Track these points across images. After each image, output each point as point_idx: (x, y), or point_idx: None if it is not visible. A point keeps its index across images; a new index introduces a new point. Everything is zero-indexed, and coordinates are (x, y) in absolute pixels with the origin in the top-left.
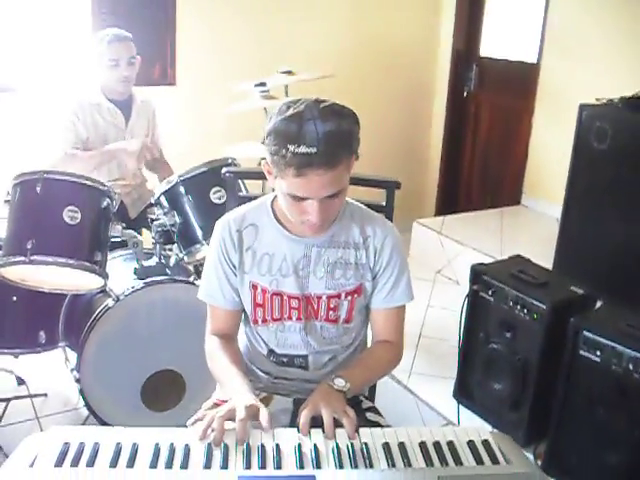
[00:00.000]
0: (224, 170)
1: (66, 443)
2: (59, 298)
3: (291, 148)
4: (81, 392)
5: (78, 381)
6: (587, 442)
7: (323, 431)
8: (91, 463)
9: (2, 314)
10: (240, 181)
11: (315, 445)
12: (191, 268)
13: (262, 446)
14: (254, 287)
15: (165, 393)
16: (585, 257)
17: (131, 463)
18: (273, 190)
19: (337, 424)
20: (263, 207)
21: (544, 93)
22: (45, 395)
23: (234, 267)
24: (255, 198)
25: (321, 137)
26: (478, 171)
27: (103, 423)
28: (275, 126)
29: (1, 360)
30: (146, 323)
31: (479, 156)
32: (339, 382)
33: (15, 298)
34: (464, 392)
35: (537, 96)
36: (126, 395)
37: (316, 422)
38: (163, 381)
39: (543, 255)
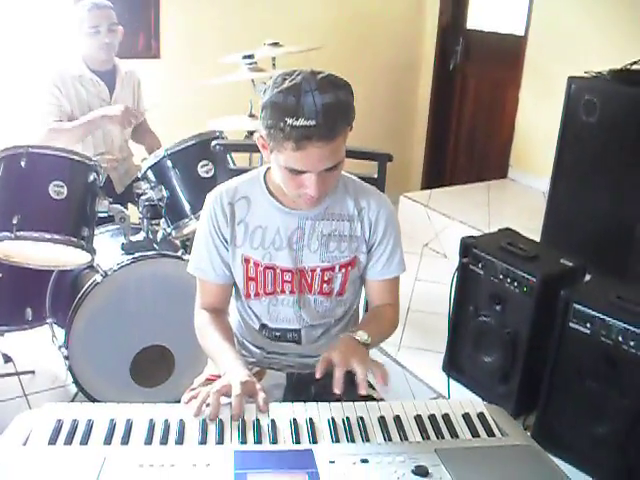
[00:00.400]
0: (214, 143)
1: (59, 420)
2: (45, 274)
3: (289, 121)
4: (70, 369)
5: (67, 358)
6: (576, 413)
7: (315, 401)
8: (85, 441)
9: None
10: (228, 154)
11: (310, 419)
12: (178, 243)
13: (257, 421)
14: (246, 261)
15: (154, 369)
16: (573, 230)
17: (125, 440)
18: (262, 164)
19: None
20: (255, 180)
21: (531, 66)
22: (32, 372)
23: (225, 241)
24: (246, 171)
25: (320, 109)
26: (464, 144)
27: (92, 400)
28: (272, 99)
29: None
30: (134, 299)
31: (465, 129)
32: (362, 335)
33: (0, 275)
34: (454, 365)
35: (524, 69)
36: (115, 371)
37: (307, 396)
38: (152, 357)
39: (530, 228)
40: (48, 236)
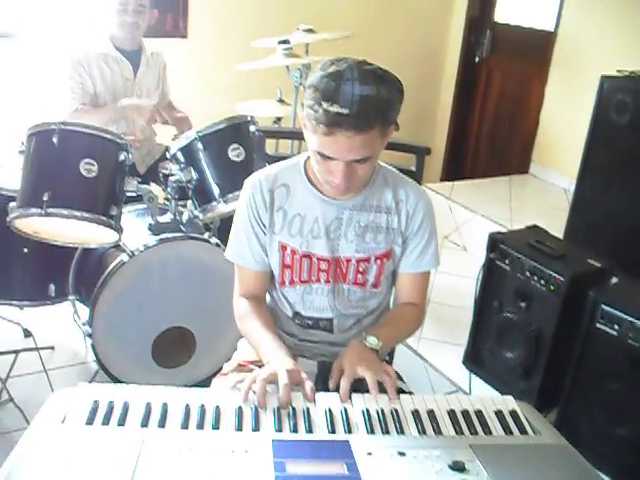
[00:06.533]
0: (253, 129)
1: (95, 401)
2: (70, 251)
3: (324, 105)
4: (93, 347)
5: (90, 336)
6: (598, 414)
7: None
8: (122, 422)
9: (12, 266)
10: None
11: (345, 409)
12: (201, 224)
13: (293, 410)
14: (283, 248)
15: (176, 350)
16: (597, 231)
17: (162, 423)
18: (292, 151)
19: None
20: (296, 167)
21: (560, 62)
22: (52, 348)
23: (264, 226)
24: (284, 158)
25: (356, 99)
26: (486, 138)
27: (113, 378)
28: (315, 81)
29: (7, 311)
30: (159, 280)
31: (488, 123)
32: (372, 340)
33: (26, 250)
34: (475, 359)
35: (552, 65)
36: (137, 351)
37: (338, 385)
38: (174, 338)
39: (552, 226)
40: (78, 214)
